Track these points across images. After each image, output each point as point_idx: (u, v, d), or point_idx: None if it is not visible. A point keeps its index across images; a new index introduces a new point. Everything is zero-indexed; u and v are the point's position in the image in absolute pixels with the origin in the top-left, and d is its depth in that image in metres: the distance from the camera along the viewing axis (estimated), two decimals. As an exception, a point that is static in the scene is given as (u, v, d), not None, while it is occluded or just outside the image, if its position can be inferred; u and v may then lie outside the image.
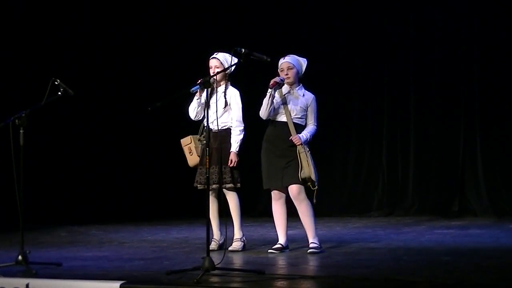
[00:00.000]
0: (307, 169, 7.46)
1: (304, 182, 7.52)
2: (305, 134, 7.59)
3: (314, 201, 7.54)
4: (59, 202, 11.48)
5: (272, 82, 7.51)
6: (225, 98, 7.89)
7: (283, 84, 7.62)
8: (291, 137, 7.53)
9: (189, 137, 8.13)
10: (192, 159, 8.09)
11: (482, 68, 11.50)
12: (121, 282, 5.76)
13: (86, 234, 9.97)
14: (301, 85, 7.72)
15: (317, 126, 7.70)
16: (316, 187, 7.50)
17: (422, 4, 11.77)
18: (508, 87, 11.36)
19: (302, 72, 7.73)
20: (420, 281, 5.73)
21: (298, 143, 7.51)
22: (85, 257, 7.55)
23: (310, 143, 7.65)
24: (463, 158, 11.58)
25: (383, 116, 12.03)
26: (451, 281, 5.73)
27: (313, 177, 7.47)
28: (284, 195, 7.66)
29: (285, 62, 7.65)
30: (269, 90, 7.52)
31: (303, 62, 7.74)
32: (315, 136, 7.72)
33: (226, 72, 7.84)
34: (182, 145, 8.16)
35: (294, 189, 7.54)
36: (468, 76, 11.60)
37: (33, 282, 5.97)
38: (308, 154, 7.51)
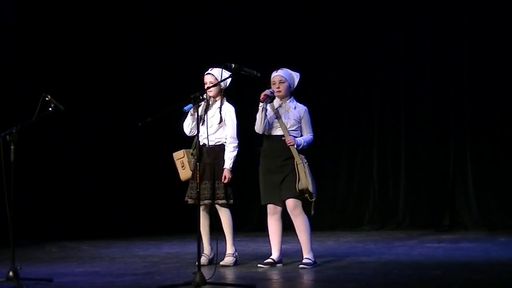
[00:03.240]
0: (305, 180, 7.45)
1: (302, 193, 7.50)
2: (300, 139, 7.59)
3: (312, 212, 7.53)
4: (50, 217, 11.44)
5: (262, 95, 7.52)
6: (220, 114, 7.89)
7: (274, 97, 7.63)
8: (283, 137, 7.52)
9: (181, 151, 8.13)
10: (184, 173, 8.09)
11: (472, 83, 11.54)
12: (112, 297, 5.76)
13: (77, 250, 9.94)
14: (292, 97, 7.74)
15: (313, 135, 7.70)
16: (314, 198, 7.51)
17: (412, 16, 11.79)
18: (498, 103, 11.40)
19: (294, 86, 7.73)
20: (411, 295, 5.75)
21: (290, 143, 7.50)
22: (76, 273, 7.54)
23: (306, 156, 7.64)
24: (453, 172, 11.61)
25: (374, 131, 12.05)
26: (442, 295, 5.74)
27: (310, 188, 7.46)
28: (279, 209, 7.65)
29: (277, 75, 7.66)
30: (261, 104, 7.53)
31: (296, 76, 7.74)
32: (306, 148, 7.73)
33: (221, 87, 7.85)
34: (175, 159, 8.16)
35: (290, 203, 7.55)
36: (458, 92, 11.63)
37: (24, 298, 5.96)
38: (306, 165, 7.51)
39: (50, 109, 7.09)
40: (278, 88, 7.62)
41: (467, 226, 11.31)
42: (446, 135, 11.68)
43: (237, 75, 6.87)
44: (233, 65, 6.82)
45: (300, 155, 7.55)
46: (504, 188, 11.30)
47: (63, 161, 11.78)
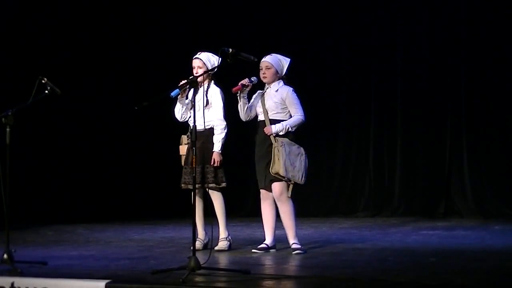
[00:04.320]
0: (277, 164, 7.42)
1: (279, 176, 7.49)
2: (281, 124, 7.53)
3: (289, 195, 7.53)
4: (46, 201, 11.44)
5: (238, 85, 7.55)
6: (207, 96, 7.87)
7: (249, 86, 7.62)
8: (264, 128, 7.55)
9: (182, 136, 8.13)
10: (182, 158, 8.09)
11: (469, 73, 11.54)
12: (107, 281, 5.75)
13: (73, 233, 9.95)
14: (279, 81, 7.70)
15: (304, 116, 7.62)
16: (292, 182, 7.50)
17: (410, 7, 11.79)
18: (494, 89, 11.41)
19: (283, 72, 7.72)
20: (405, 282, 5.75)
21: (268, 133, 7.52)
22: (71, 256, 7.54)
23: (300, 142, 7.64)
24: (449, 160, 11.63)
25: (370, 117, 12.06)
26: (436, 282, 5.74)
27: (281, 172, 7.42)
28: (271, 194, 7.65)
29: (264, 61, 7.68)
30: (238, 93, 7.58)
31: (285, 61, 7.73)
32: (302, 135, 7.73)
33: (210, 73, 7.85)
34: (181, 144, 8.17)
35: (275, 188, 7.55)
36: (455, 78, 11.64)
37: (18, 280, 5.95)
38: (281, 148, 7.43)
39: (46, 91, 7.06)
40: (264, 73, 7.65)
41: (462, 214, 11.34)
42: (443, 123, 11.69)
43: (234, 61, 6.84)
44: (230, 50, 6.79)
45: (281, 139, 7.51)
46: (499, 176, 11.32)
47: (61, 145, 11.77)
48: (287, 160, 7.44)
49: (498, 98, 11.40)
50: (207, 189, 7.86)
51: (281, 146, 7.47)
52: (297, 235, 7.66)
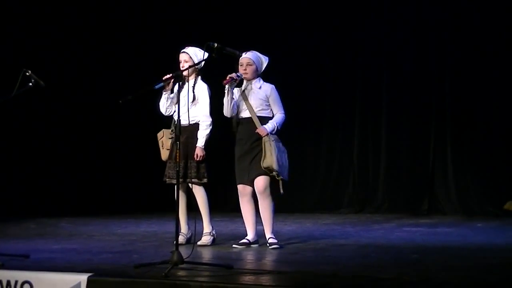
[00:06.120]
0: (270, 158, 7.47)
1: (269, 171, 7.51)
2: (271, 123, 7.60)
3: (281, 191, 7.55)
4: (29, 194, 11.41)
5: (227, 78, 7.56)
6: (194, 92, 7.87)
7: (237, 80, 7.65)
8: (256, 130, 7.56)
9: (162, 131, 8.11)
10: (164, 153, 8.06)
11: (454, 71, 11.56)
12: (89, 274, 5.75)
13: (56, 227, 9.92)
14: (258, 78, 7.73)
15: (284, 113, 7.69)
16: (281, 177, 7.51)
17: (395, 7, 11.80)
18: (478, 88, 11.42)
19: (262, 70, 7.78)
20: (387, 278, 5.76)
21: (263, 135, 7.54)
22: (53, 250, 7.52)
23: (283, 137, 7.65)
24: (433, 157, 11.65)
25: (355, 113, 12.07)
26: (418, 278, 5.75)
27: (274, 166, 7.46)
28: (249, 190, 7.67)
29: (245, 57, 7.69)
30: (226, 87, 7.57)
31: (264, 59, 7.79)
32: (287, 131, 7.75)
33: (196, 67, 7.83)
34: (158, 139, 8.14)
35: (259, 182, 7.57)
36: (440, 78, 11.65)
37: (-1, 273, 5.94)
38: (273, 143, 7.49)
39: (30, 84, 7.03)
40: (245, 70, 7.67)
41: (445, 211, 11.38)
42: (427, 120, 11.71)
43: (219, 55, 6.84)
44: (215, 45, 6.79)
45: (270, 135, 7.55)
46: (482, 174, 11.36)
47: (44, 138, 11.73)
48: (278, 155, 7.47)
49: (482, 97, 11.42)
50: (189, 184, 7.85)
51: (273, 140, 7.50)
52: (275, 230, 7.70)
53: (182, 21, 12.29)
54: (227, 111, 7.69)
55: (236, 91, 7.69)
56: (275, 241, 7.61)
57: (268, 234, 7.67)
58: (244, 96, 7.67)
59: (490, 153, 11.34)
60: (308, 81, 12.13)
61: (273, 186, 7.62)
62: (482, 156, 11.40)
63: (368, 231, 9.34)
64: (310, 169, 12.24)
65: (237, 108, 7.69)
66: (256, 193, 7.62)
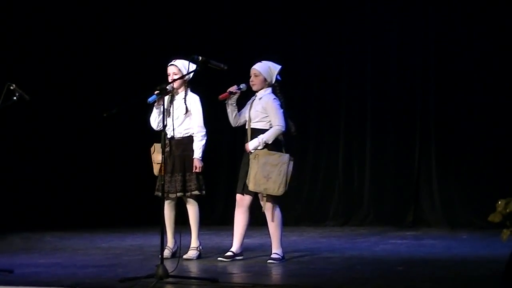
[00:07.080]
0: (252, 181, 7.46)
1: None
2: (258, 139, 7.56)
3: (263, 208, 7.56)
4: (13, 208, 11.35)
5: (226, 92, 7.59)
6: (185, 104, 7.87)
7: (237, 93, 7.67)
8: (245, 145, 7.61)
9: (154, 145, 8.09)
10: (156, 167, 8.03)
11: (438, 80, 11.57)
12: (74, 289, 5.74)
13: (40, 241, 9.88)
14: (267, 89, 7.75)
15: (283, 126, 7.67)
16: (265, 195, 7.49)
17: (379, 6, 11.82)
18: (464, 99, 11.45)
19: (273, 80, 7.77)
20: (373, 290, 5.77)
21: (247, 151, 7.56)
22: (38, 264, 7.49)
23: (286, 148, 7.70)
24: (418, 169, 11.66)
25: (340, 125, 12.06)
26: (403, 290, 5.77)
27: (250, 187, 7.47)
28: (247, 202, 7.65)
29: (253, 68, 7.75)
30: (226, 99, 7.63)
31: (275, 69, 7.77)
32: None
33: (185, 79, 7.83)
34: (151, 153, 8.13)
35: (260, 197, 7.58)
36: (425, 88, 11.67)
37: (-17, 288, 5.92)
38: (261, 159, 7.44)
39: (15, 98, 7.02)
40: (252, 81, 7.72)
41: (430, 223, 11.38)
42: (412, 132, 11.72)
43: (203, 68, 6.85)
44: (200, 58, 6.81)
45: (257, 151, 7.52)
46: (467, 186, 11.37)
47: (28, 151, 11.68)
48: (258, 173, 7.44)
49: (467, 108, 11.45)
50: (186, 198, 7.82)
51: (254, 159, 7.48)
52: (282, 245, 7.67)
53: (171, 31, 12.26)
54: (231, 122, 7.80)
55: (249, 101, 7.74)
56: (276, 256, 7.56)
57: (273, 249, 7.64)
58: (250, 106, 7.72)
59: (475, 165, 11.36)
60: (292, 93, 12.09)
61: (281, 198, 7.62)
62: (467, 168, 11.42)
63: (353, 244, 9.35)
64: (295, 181, 12.16)
65: (244, 118, 7.74)
66: (261, 204, 7.61)
